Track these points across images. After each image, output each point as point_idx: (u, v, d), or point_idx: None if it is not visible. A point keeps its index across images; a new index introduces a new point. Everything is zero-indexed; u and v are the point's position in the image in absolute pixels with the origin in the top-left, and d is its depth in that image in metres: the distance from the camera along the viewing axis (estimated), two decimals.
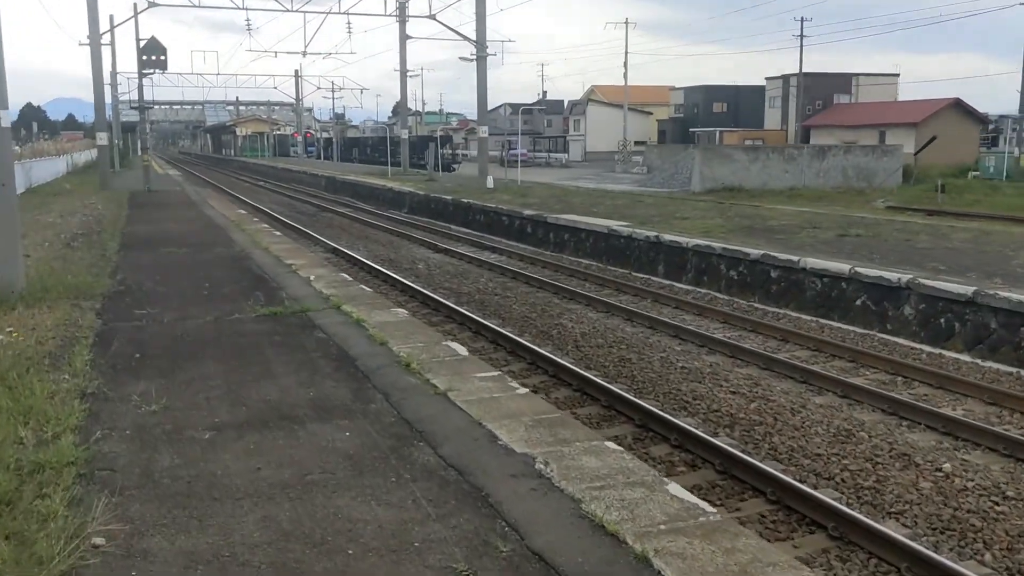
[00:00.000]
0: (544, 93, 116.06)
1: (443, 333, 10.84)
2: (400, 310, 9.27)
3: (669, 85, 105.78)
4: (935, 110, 68.72)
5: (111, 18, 44.10)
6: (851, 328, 13.60)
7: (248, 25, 37.92)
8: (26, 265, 12.01)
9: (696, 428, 8.91)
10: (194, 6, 33.26)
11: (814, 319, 14.26)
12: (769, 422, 9.19)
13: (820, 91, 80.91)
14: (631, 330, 13.78)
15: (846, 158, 45.64)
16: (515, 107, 45.97)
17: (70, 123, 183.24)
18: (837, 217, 21.39)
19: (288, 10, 34.59)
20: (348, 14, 35.42)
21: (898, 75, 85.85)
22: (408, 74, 47.43)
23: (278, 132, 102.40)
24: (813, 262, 14.59)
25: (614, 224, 20.84)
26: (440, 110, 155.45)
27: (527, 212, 24.77)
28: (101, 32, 32.16)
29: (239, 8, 33.87)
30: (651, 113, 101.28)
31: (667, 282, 17.93)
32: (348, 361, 7.20)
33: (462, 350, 7.31)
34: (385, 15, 37.44)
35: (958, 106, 69.94)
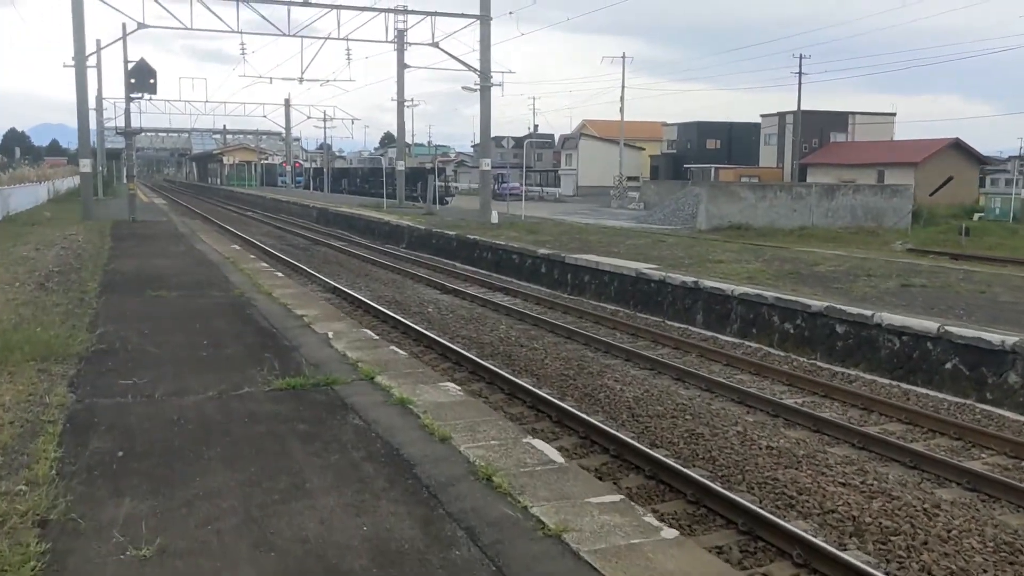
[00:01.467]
0: (536, 127, 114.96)
1: (511, 418, 9.07)
2: (450, 384, 7.45)
3: (661, 121, 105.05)
4: (935, 150, 67.86)
5: (98, 42, 42.38)
6: (941, 396, 11.88)
7: (243, 49, 36.25)
8: None
9: (817, 537, 7.14)
10: (186, 28, 31.58)
11: (893, 383, 12.53)
12: (906, 529, 7.41)
13: (816, 129, 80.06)
14: (686, 393, 12.03)
15: (855, 198, 44.28)
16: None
17: (54, 149, 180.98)
18: (883, 263, 19.76)
19: (284, 34, 32.95)
20: (348, 40, 33.76)
21: (895, 114, 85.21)
22: (405, 104, 45.82)
23: (266, 161, 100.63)
24: (891, 318, 12.89)
25: (643, 267, 19.13)
26: (429, 142, 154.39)
27: (542, 251, 23.06)
28: (87, 53, 30.39)
29: (234, 32, 32.20)
30: (643, 148, 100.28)
31: (708, 333, 16.21)
32: (404, 468, 5.38)
33: (553, 453, 5.51)
34: (386, 41, 35.85)
35: (958, 146, 69.13)
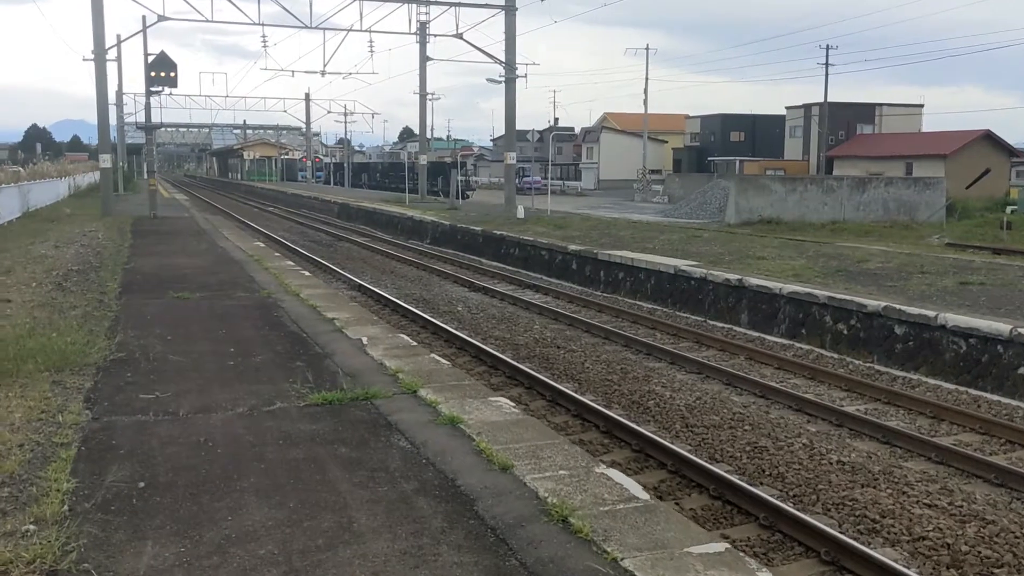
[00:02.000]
0: (556, 120, 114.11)
1: (575, 439, 8.39)
2: (503, 400, 6.74)
3: (683, 113, 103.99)
4: (966, 142, 66.50)
5: (118, 36, 41.92)
6: (1014, 403, 11.08)
7: (264, 43, 35.68)
8: (2, 319, 9.56)
9: (911, 568, 6.41)
10: (207, 21, 31.06)
11: (960, 389, 11.74)
12: (1009, 560, 6.67)
13: (842, 121, 78.75)
14: (740, 400, 11.29)
15: (887, 191, 43.26)
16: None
17: (75, 145, 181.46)
18: (933, 259, 18.90)
19: (306, 26, 32.32)
20: (370, 32, 33.09)
21: (922, 106, 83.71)
22: (428, 97, 45.16)
23: (286, 156, 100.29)
24: (956, 319, 12.09)
25: (682, 263, 18.37)
26: (448, 136, 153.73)
27: (573, 247, 22.33)
28: (107, 47, 29.88)
29: (255, 24, 31.64)
30: (666, 141, 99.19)
31: (754, 334, 15.45)
32: (463, 504, 4.69)
33: (635, 488, 4.80)
34: (408, 33, 35.17)
35: (988, 138, 67.74)
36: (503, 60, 34.20)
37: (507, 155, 34.88)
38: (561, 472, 5.04)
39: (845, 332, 13.95)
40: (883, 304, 13.26)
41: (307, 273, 15.50)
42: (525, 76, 34.04)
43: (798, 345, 14.55)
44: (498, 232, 26.95)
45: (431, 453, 5.48)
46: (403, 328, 15.22)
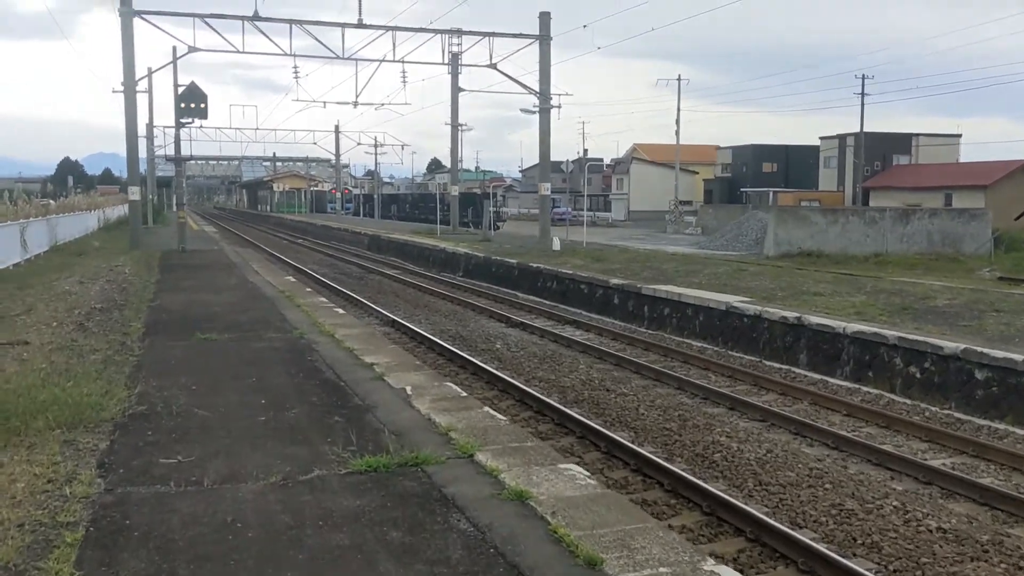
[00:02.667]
0: (586, 151, 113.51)
1: (675, 526, 7.50)
2: (575, 467, 5.85)
3: (714, 144, 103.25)
4: (1007, 172, 65.13)
5: (149, 69, 41.80)
6: None
7: (296, 74, 35.26)
8: (17, 363, 8.82)
9: None
10: (238, 52, 30.66)
11: None
12: None
13: (878, 152, 77.59)
14: (813, 453, 10.34)
15: (931, 222, 42.08)
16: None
17: (106, 177, 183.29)
18: (1002, 295, 17.84)
19: (338, 57, 31.86)
20: (403, 62, 32.57)
21: (960, 135, 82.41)
22: (459, 128, 44.62)
23: (315, 188, 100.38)
24: None
25: (733, 300, 17.44)
26: (476, 168, 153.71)
27: (615, 281, 21.46)
28: (137, 78, 29.54)
29: (287, 55, 31.18)
30: (696, 172, 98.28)
31: (816, 376, 14.47)
32: None
33: None
34: (441, 63, 34.65)
35: None
36: (537, 90, 33.56)
37: (542, 186, 34.16)
38: (662, 570, 4.15)
39: (918, 376, 12.94)
40: (962, 346, 12.26)
41: (340, 311, 14.71)
42: (559, 106, 33.36)
43: (865, 389, 13.55)
44: (534, 265, 26.14)
45: (499, 540, 4.61)
46: (442, 368, 14.41)
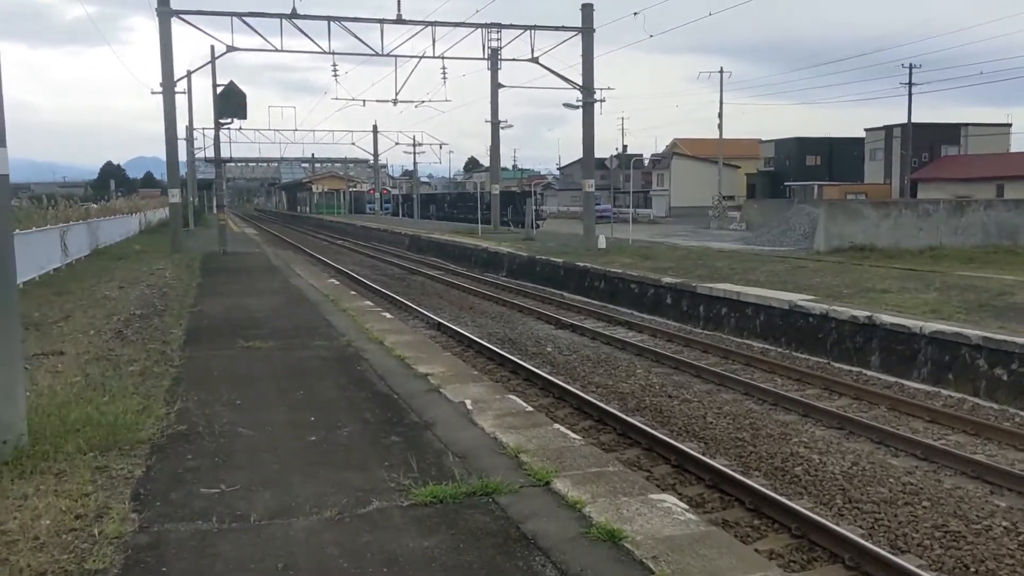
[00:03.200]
0: (625, 147, 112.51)
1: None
2: (669, 498, 5.12)
3: (755, 138, 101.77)
4: None
5: (188, 71, 41.60)
6: None
7: (334, 72, 34.83)
8: (51, 376, 8.28)
9: None
10: (276, 51, 30.23)
11: None
12: None
13: (925, 143, 75.73)
14: (901, 465, 9.52)
15: (987, 214, 40.68)
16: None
17: (148, 181, 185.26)
18: None
19: (377, 54, 31.30)
20: (443, 58, 31.96)
21: (1010, 125, 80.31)
22: (499, 125, 43.98)
23: (354, 189, 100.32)
24: None
25: (797, 298, 16.59)
26: (514, 166, 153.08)
27: (667, 280, 20.66)
28: (175, 79, 29.22)
29: (325, 53, 30.70)
30: (738, 167, 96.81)
31: (890, 379, 13.59)
32: None
33: None
34: (482, 58, 33.99)
35: None
36: (580, 84, 32.78)
37: (586, 182, 33.39)
38: None
39: (1005, 378, 12.04)
40: None
41: (387, 315, 14.06)
42: (603, 100, 32.56)
43: (946, 393, 12.66)
44: (581, 264, 25.39)
45: None
46: (494, 373, 13.75)
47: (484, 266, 33.51)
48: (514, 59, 33.27)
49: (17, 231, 21.05)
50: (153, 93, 29.22)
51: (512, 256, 31.10)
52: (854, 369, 14.35)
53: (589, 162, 33.74)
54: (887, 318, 14.11)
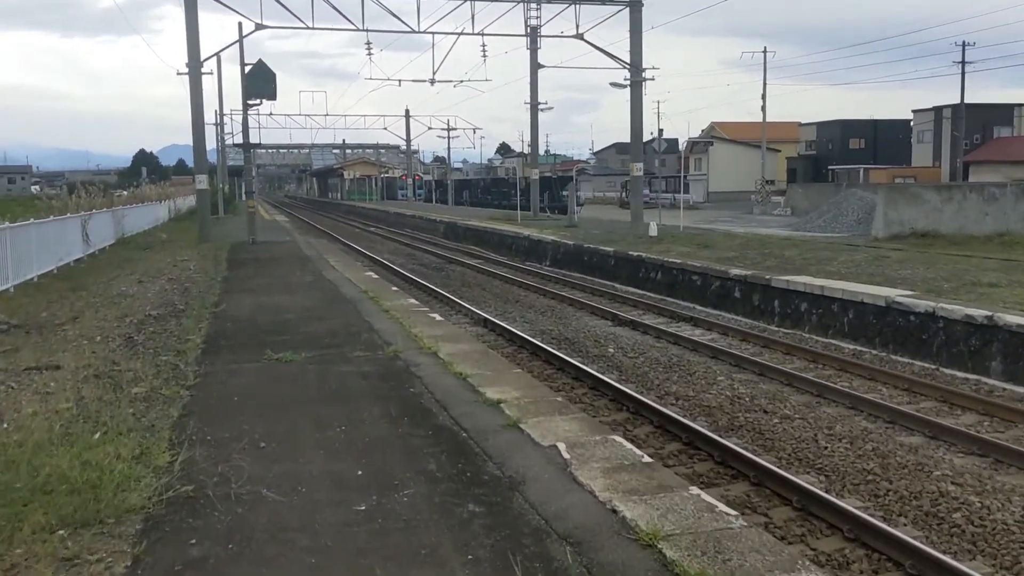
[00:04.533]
0: (661, 131, 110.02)
1: None
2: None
3: (795, 121, 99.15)
4: None
5: (218, 57, 40.05)
6: None
7: (368, 50, 33.11)
8: (38, 401, 6.64)
9: None
10: (307, 28, 28.55)
11: None
12: None
13: (977, 124, 72.86)
14: None
15: None
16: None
17: (180, 168, 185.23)
18: None
19: (413, 31, 29.54)
20: (483, 35, 30.15)
21: None
22: (538, 107, 42.08)
23: (386, 175, 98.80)
24: None
25: (893, 293, 14.68)
26: (547, 151, 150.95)
27: (735, 271, 18.78)
28: (203, 59, 27.62)
29: (359, 30, 28.98)
30: (779, 151, 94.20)
31: (1019, 390, 11.69)
32: None
33: None
34: (523, 35, 32.14)
35: None
36: (628, 62, 30.85)
37: (634, 166, 31.47)
38: None
39: None
40: None
41: (437, 316, 12.27)
42: (652, 79, 30.60)
43: None
44: (634, 253, 23.55)
45: None
46: (552, 380, 12.02)
47: (526, 255, 31.75)
48: (559, 35, 31.35)
49: (31, 220, 19.61)
50: (179, 74, 27.57)
51: (556, 244, 29.31)
52: (971, 377, 12.45)
53: (637, 144, 31.81)
54: (1012, 318, 12.19)
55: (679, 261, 21.23)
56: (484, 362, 8.64)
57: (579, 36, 30.68)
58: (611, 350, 15.05)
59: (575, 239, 28.91)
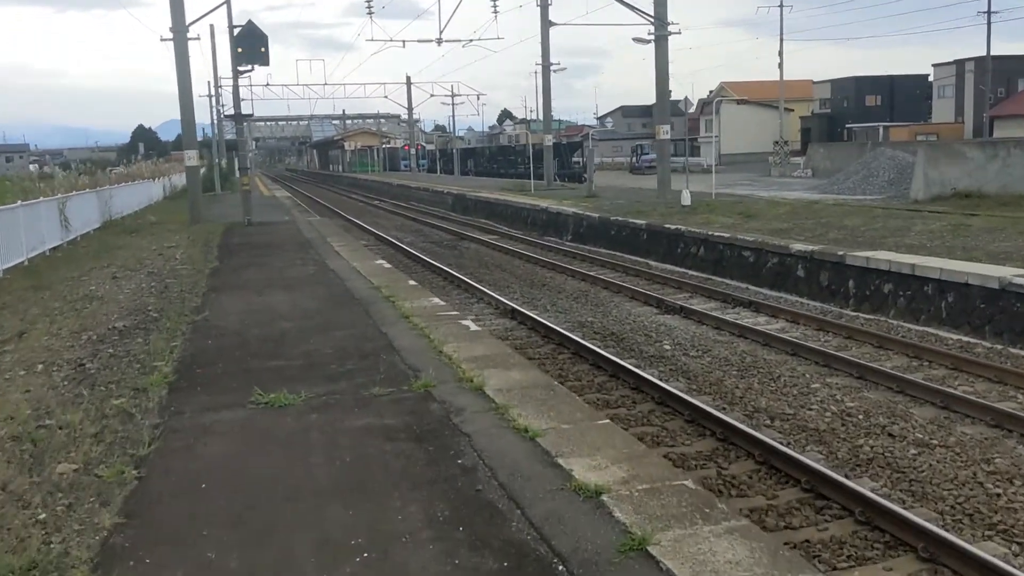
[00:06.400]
0: (669, 92, 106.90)
1: None
2: None
3: (807, 79, 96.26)
4: None
5: (212, 27, 37.47)
6: None
7: (369, 8, 30.49)
8: None
9: None
10: None
11: None
12: None
13: (1002, 77, 69.95)
14: None
15: None
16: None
17: (180, 144, 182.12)
18: None
19: None
20: None
21: None
22: (550, 68, 39.42)
23: (387, 145, 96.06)
24: None
25: (1008, 273, 12.32)
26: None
27: (799, 247, 16.42)
28: (188, 23, 25.08)
29: None
30: (791, 110, 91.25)
31: None
32: None
33: None
34: None
35: None
36: (652, 15, 28.25)
37: (660, 128, 28.93)
38: None
39: None
40: None
41: (471, 324, 9.69)
42: (679, 33, 28.03)
43: None
44: (671, 226, 21.16)
45: None
46: (632, 410, 9.75)
47: (543, 228, 29.39)
48: None
49: None
50: (162, 40, 25.03)
51: (578, 217, 26.91)
52: None
53: (664, 105, 29.26)
54: None
55: (727, 235, 18.85)
56: (552, 404, 6.27)
57: None
58: (667, 347, 12.76)
59: (598, 211, 26.53)
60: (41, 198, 20.63)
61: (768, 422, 9.24)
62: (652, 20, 28.22)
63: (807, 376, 10.89)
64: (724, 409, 9.58)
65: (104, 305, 11.36)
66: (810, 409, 9.58)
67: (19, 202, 18.45)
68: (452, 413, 5.99)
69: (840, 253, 15.25)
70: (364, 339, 8.66)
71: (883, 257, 14.44)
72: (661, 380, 10.51)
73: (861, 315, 14.34)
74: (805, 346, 12.07)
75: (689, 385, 10.68)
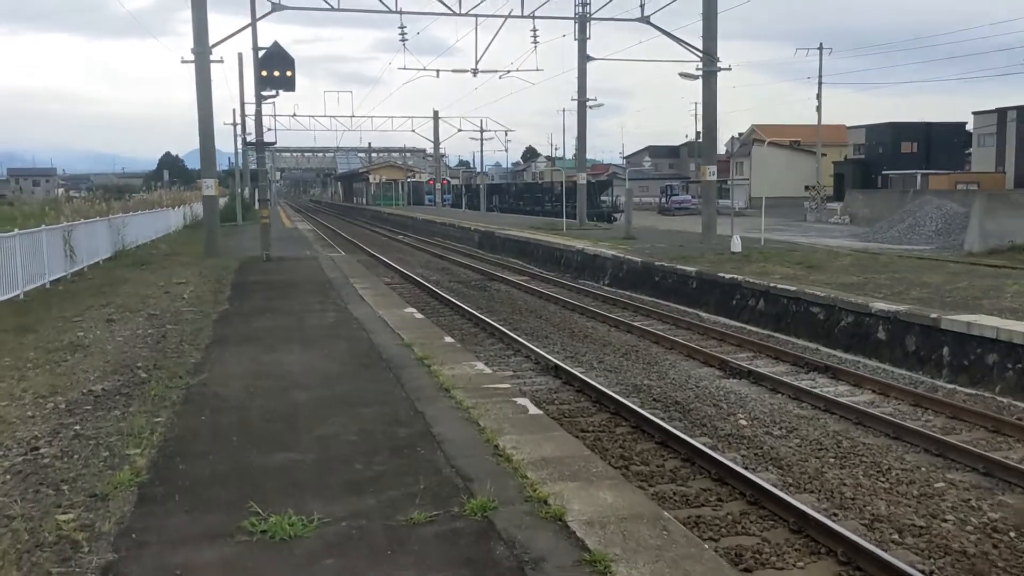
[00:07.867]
0: (698, 134, 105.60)
1: None
2: None
3: (840, 124, 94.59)
4: None
5: (240, 56, 36.17)
6: None
7: (402, 36, 29.07)
8: None
9: None
10: (331, 9, 24.55)
11: None
12: None
13: None
14: None
15: None
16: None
17: None
18: None
19: (455, 13, 25.46)
20: (534, 17, 25.98)
21: None
22: (586, 104, 37.87)
23: (412, 179, 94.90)
24: None
25: None
26: (575, 155, 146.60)
27: (881, 306, 14.54)
28: (212, 44, 23.66)
29: (392, 12, 24.94)
30: (824, 154, 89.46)
31: None
32: None
33: None
34: (572, 17, 27.98)
35: None
36: (700, 49, 26.63)
37: (706, 169, 27.17)
38: None
39: None
40: None
41: (530, 406, 7.82)
42: (728, 68, 26.37)
43: None
44: (727, 276, 19.33)
45: None
46: (719, 509, 7.91)
47: (578, 271, 27.62)
48: (623, 18, 27.11)
49: None
50: (183, 62, 23.61)
51: (618, 261, 25.12)
52: None
53: (711, 144, 27.56)
54: None
55: (792, 288, 17.00)
56: (667, 552, 4.43)
57: (644, 20, 26.52)
58: (743, 421, 10.94)
59: (640, 254, 24.73)
60: (43, 226, 19.07)
61: (896, 536, 7.39)
62: (701, 55, 26.58)
63: (923, 469, 9.04)
64: (835, 517, 7.74)
65: (87, 359, 9.62)
66: (944, 520, 7.71)
67: (15, 231, 16.89)
68: (528, 566, 4.16)
69: (934, 316, 13.36)
70: (396, 422, 6.84)
71: (988, 323, 12.54)
72: (748, 470, 8.72)
73: (959, 388, 12.45)
74: (907, 428, 10.23)
75: (783, 478, 8.85)
